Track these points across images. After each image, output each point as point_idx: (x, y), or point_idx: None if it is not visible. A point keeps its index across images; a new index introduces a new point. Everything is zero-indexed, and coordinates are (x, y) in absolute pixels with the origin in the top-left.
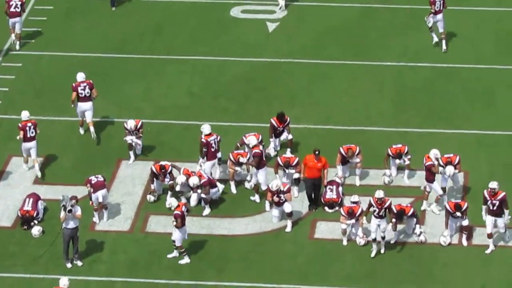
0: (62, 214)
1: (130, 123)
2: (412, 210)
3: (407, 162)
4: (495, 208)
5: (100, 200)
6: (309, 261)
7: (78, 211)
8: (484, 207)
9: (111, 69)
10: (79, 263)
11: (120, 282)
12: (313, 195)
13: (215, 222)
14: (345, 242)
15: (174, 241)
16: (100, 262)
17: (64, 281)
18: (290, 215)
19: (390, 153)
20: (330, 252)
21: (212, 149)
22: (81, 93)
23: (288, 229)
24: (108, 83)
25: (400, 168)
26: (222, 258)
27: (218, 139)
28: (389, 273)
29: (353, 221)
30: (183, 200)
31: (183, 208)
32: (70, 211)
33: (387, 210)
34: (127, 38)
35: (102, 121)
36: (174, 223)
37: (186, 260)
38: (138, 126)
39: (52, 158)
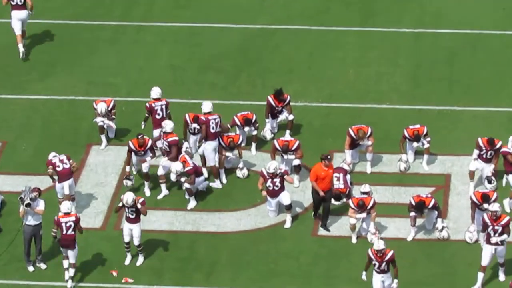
0: (21, 208)
1: (100, 106)
2: (433, 201)
3: (426, 145)
4: (496, 235)
5: (67, 192)
6: (312, 261)
7: (40, 205)
8: (481, 234)
9: (78, 38)
10: (43, 265)
11: (90, 287)
12: (321, 208)
13: (202, 217)
14: (354, 240)
15: (130, 240)
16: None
17: (66, 206)
18: (288, 208)
19: (407, 135)
20: (336, 251)
21: (212, 130)
22: (59, 166)
23: (287, 224)
24: (74, 55)
25: (418, 153)
26: (211, 259)
27: (218, 119)
28: (406, 275)
29: (363, 215)
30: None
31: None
32: (28, 204)
33: (389, 264)
34: (97, 1)
35: (68, 100)
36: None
37: (141, 259)
38: (110, 107)
39: (10, 144)
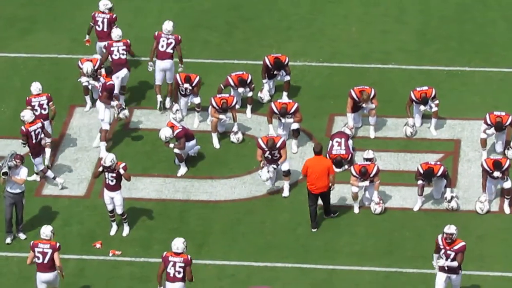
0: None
1: (86, 66)
2: (442, 169)
3: (435, 108)
4: (448, 260)
5: (42, 167)
6: (311, 233)
7: (21, 173)
8: (435, 255)
9: None
10: (22, 236)
11: (74, 260)
12: (323, 208)
13: (193, 185)
14: (356, 210)
15: (113, 209)
16: None
17: (46, 230)
18: (287, 174)
19: (414, 98)
20: (337, 222)
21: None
22: (37, 110)
23: (286, 193)
24: (57, 10)
25: (425, 117)
26: (202, 230)
27: (196, 81)
28: (412, 249)
29: (366, 183)
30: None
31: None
32: (5, 173)
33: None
34: None
35: (50, 58)
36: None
37: (127, 229)
38: (96, 67)
39: None
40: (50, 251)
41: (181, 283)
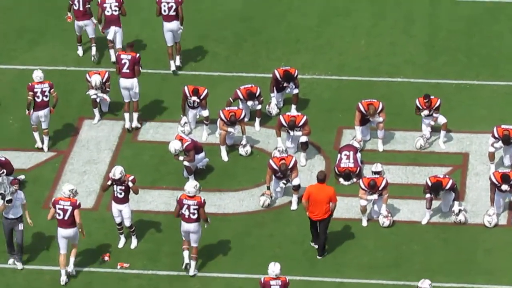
0: (0, 203)
1: (94, 78)
2: (450, 182)
3: (443, 120)
4: None
5: (44, 124)
6: None
7: (20, 197)
8: None
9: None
10: (19, 265)
11: (82, 272)
12: (318, 236)
13: (202, 198)
14: (364, 223)
15: (122, 221)
16: (57, 248)
17: (66, 188)
18: (297, 188)
19: (419, 105)
20: (345, 235)
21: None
22: (38, 97)
23: (294, 206)
24: (66, 22)
25: (434, 130)
26: (210, 243)
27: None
28: (420, 262)
29: (375, 196)
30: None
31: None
32: (10, 201)
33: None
34: None
35: (58, 70)
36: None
37: (135, 242)
38: (105, 79)
39: None
40: (70, 208)
41: (196, 224)
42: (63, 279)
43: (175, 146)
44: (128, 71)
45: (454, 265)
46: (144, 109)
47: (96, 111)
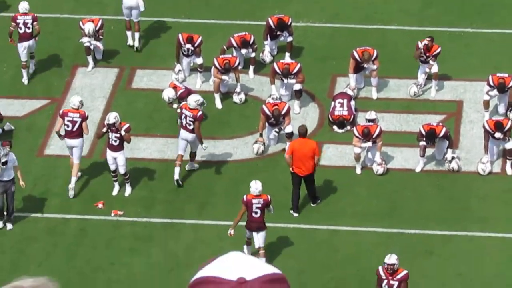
0: None
1: (88, 26)
2: (444, 130)
3: (435, 69)
4: None
5: (28, 51)
6: None
7: (13, 159)
8: None
9: None
10: (9, 226)
11: (75, 219)
12: (306, 190)
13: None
14: (358, 171)
15: (116, 169)
16: (51, 195)
17: (75, 100)
18: (290, 136)
19: (421, 46)
20: (339, 183)
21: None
22: (21, 28)
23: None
24: None
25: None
26: (204, 191)
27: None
28: (413, 210)
29: (369, 143)
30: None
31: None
32: (5, 163)
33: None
34: None
35: (52, 18)
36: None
37: (129, 189)
38: (98, 27)
39: None
40: (79, 120)
41: (192, 135)
42: (72, 186)
43: (168, 94)
44: None
45: (447, 212)
46: (138, 56)
47: (90, 58)
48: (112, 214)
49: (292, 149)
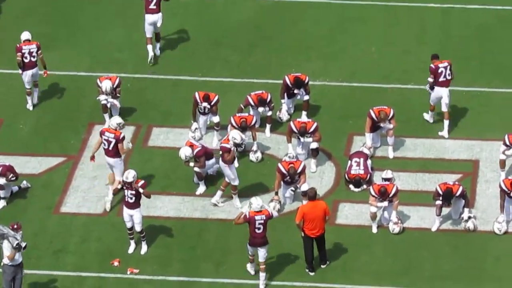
0: (9, 251)
1: (105, 84)
2: (461, 189)
3: (444, 108)
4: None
5: (32, 79)
6: (329, 252)
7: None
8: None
9: (82, 10)
10: None
11: (91, 277)
12: (317, 251)
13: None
14: (374, 230)
15: (132, 226)
16: (67, 253)
17: (113, 121)
18: (305, 194)
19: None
20: (355, 242)
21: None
22: (26, 57)
23: None
24: (78, 28)
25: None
26: (221, 249)
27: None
28: (429, 269)
29: (385, 203)
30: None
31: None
32: (24, 247)
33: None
34: None
35: (69, 75)
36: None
37: (145, 247)
38: (115, 85)
39: (7, 122)
40: (113, 141)
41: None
42: (109, 198)
43: (185, 152)
44: (154, 7)
45: (463, 272)
46: (155, 114)
47: (106, 116)
48: (128, 272)
49: (303, 213)
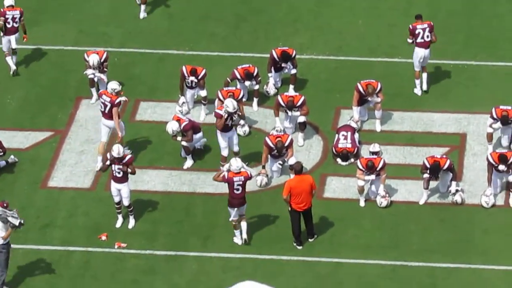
0: (4, 231)
1: (93, 58)
2: (448, 162)
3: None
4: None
5: (13, 45)
6: (317, 226)
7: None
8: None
9: None
10: None
11: (79, 251)
12: (305, 225)
13: (199, 177)
14: (362, 203)
15: (120, 201)
16: (55, 228)
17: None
18: (293, 167)
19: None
20: (343, 216)
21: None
22: (9, 23)
23: None
24: (64, 1)
25: (427, 110)
26: (208, 223)
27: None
28: (417, 242)
29: (373, 176)
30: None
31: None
32: (22, 224)
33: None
34: None
35: (56, 50)
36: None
37: (133, 222)
38: (103, 59)
39: None
40: (109, 104)
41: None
42: (99, 165)
43: (172, 126)
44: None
45: (451, 245)
46: (142, 89)
47: (93, 90)
48: (116, 247)
49: (290, 188)
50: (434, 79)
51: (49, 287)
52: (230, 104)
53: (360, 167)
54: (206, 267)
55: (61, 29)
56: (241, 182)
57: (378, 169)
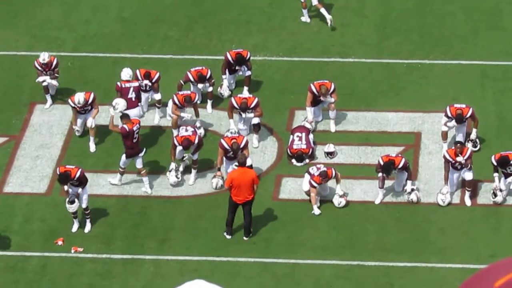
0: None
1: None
2: (403, 161)
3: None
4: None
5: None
6: (272, 227)
7: None
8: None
9: None
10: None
11: (35, 257)
12: (243, 220)
13: (155, 180)
14: (317, 211)
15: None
16: (11, 233)
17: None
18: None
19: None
20: (299, 217)
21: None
22: None
23: None
24: (16, 7)
25: (384, 109)
26: (164, 226)
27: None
28: (373, 242)
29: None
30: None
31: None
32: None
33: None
34: None
35: (9, 55)
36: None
37: (89, 225)
38: (53, 66)
39: None
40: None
41: None
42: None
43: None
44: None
45: (407, 244)
46: (96, 93)
47: (48, 96)
48: (73, 251)
49: (231, 179)
50: (387, 79)
51: None
52: (119, 103)
53: (315, 184)
54: (163, 270)
55: (13, 35)
56: (137, 130)
57: (332, 177)
